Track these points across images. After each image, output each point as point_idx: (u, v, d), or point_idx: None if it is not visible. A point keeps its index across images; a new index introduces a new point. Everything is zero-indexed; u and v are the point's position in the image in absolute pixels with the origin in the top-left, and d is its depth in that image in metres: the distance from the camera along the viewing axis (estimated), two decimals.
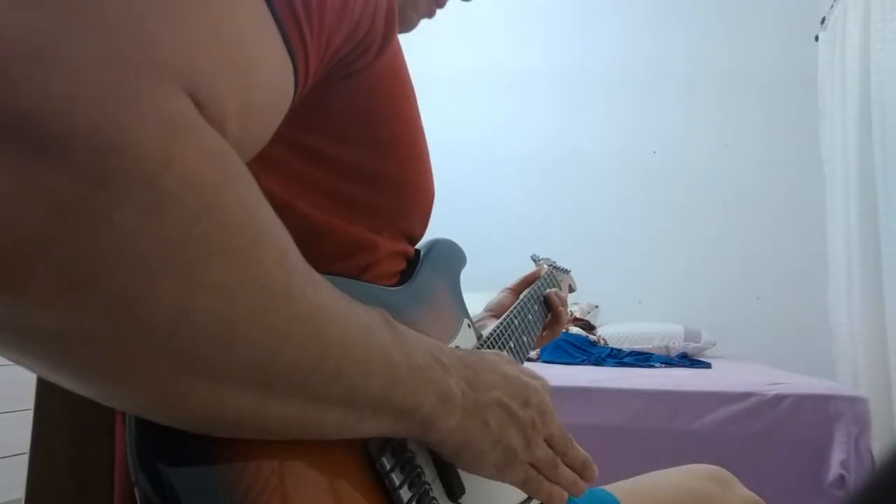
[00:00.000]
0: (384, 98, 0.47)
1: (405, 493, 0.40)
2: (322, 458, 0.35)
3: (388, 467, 0.39)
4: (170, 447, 0.29)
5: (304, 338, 0.29)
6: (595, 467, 0.49)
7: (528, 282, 0.88)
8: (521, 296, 0.83)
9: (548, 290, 0.87)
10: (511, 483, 0.45)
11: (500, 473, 0.43)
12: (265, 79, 0.31)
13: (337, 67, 0.41)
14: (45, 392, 0.43)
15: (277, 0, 0.32)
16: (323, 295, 0.31)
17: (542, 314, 0.86)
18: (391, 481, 0.39)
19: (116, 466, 0.42)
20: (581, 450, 0.49)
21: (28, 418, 0.42)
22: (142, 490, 0.28)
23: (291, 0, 0.33)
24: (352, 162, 0.46)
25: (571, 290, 1.04)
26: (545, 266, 0.96)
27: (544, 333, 0.88)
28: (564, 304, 0.88)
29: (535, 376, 0.48)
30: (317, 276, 0.31)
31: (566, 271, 1.04)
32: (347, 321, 0.32)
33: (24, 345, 0.23)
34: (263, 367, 0.27)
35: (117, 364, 0.24)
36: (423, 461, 0.43)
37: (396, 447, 0.40)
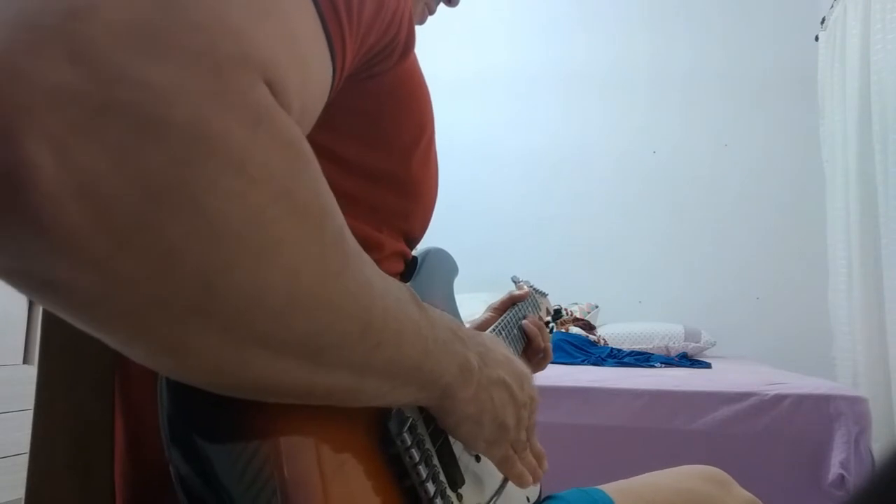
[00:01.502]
0: (399, 101, 0.48)
1: (423, 470, 0.41)
2: (343, 433, 0.37)
3: (409, 443, 0.41)
4: (202, 422, 0.30)
5: (354, 312, 0.30)
6: (546, 460, 0.53)
7: (512, 300, 0.88)
8: (507, 313, 0.83)
9: (523, 321, 0.85)
10: (492, 458, 0.47)
11: (487, 448, 0.46)
12: (315, 77, 0.33)
13: (360, 69, 0.42)
14: (45, 392, 0.43)
15: (325, 4, 0.33)
16: (369, 272, 0.32)
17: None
18: (411, 457, 0.41)
19: (117, 466, 0.43)
20: (537, 442, 0.52)
21: (28, 418, 0.42)
22: (175, 465, 0.30)
23: (336, 4, 0.34)
24: (358, 160, 0.47)
25: (549, 312, 1.05)
26: (525, 287, 0.96)
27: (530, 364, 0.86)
28: (543, 333, 0.85)
29: (523, 364, 0.51)
30: (364, 255, 0.33)
31: (544, 294, 1.05)
32: (386, 296, 0.33)
33: (110, 321, 0.24)
34: (317, 340, 0.29)
35: (189, 337, 0.25)
36: (430, 446, 0.45)
37: (411, 427, 0.42)
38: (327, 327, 0.29)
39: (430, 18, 0.69)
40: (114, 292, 0.23)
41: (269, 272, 0.25)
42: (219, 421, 0.31)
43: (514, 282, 0.99)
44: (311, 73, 0.32)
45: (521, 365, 0.49)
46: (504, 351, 0.48)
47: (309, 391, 0.31)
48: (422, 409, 0.47)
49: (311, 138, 0.43)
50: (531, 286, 0.99)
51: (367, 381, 0.33)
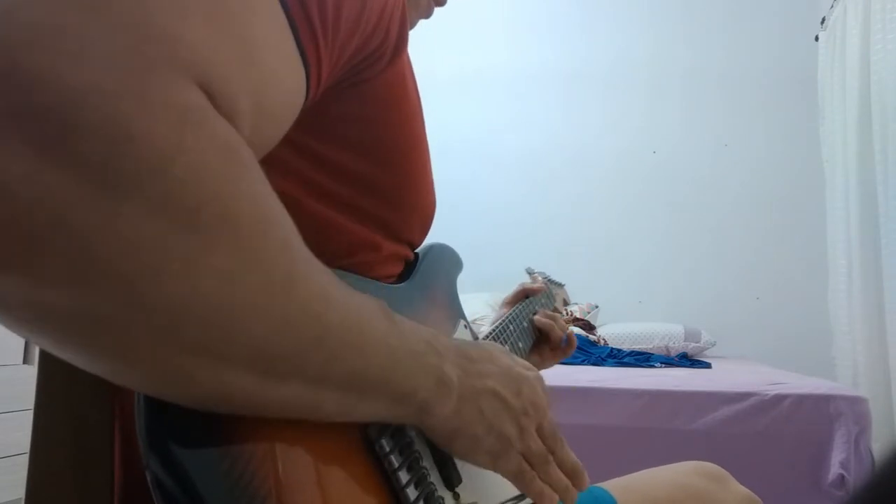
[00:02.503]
0: (388, 108, 0.47)
1: (403, 476, 0.40)
2: (324, 440, 0.36)
3: (388, 449, 0.39)
4: (179, 429, 0.30)
5: (304, 322, 0.29)
6: (587, 477, 0.49)
7: (525, 293, 0.86)
8: (518, 305, 0.82)
9: (534, 317, 0.82)
10: (505, 474, 0.45)
11: (494, 462, 0.43)
12: (278, 82, 0.32)
13: (347, 75, 0.41)
14: (45, 392, 0.43)
15: (294, 7, 0.32)
16: (323, 281, 0.31)
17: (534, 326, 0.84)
18: (390, 463, 0.39)
19: (116, 466, 0.43)
20: (572, 454, 0.48)
21: (28, 418, 0.42)
22: (152, 472, 0.29)
23: (307, 7, 0.33)
24: (352, 168, 0.46)
25: (566, 303, 1.03)
26: (540, 279, 0.95)
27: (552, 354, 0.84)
28: (557, 322, 0.83)
29: (528, 367, 0.49)
30: (318, 264, 0.32)
31: (560, 285, 1.03)
32: (346, 307, 0.32)
33: (37, 323, 0.24)
34: (263, 350, 0.28)
35: (124, 344, 0.25)
36: (420, 447, 0.43)
37: (395, 430, 0.41)
38: (273, 338, 0.28)
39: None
40: (36, 298, 0.23)
41: (203, 278, 0.25)
42: (197, 429, 0.30)
43: (529, 273, 0.98)
44: (272, 80, 0.31)
45: (520, 371, 0.46)
46: (499, 358, 0.46)
47: (263, 404, 0.30)
48: None
49: (303, 145, 0.43)
50: (546, 277, 0.98)
51: (326, 394, 0.32)
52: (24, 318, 0.24)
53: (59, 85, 0.21)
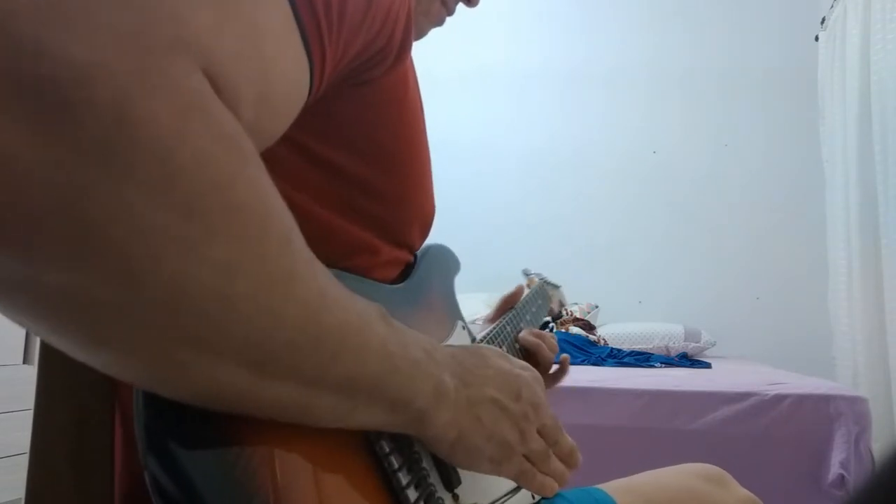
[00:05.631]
0: (390, 111, 0.47)
1: (404, 476, 0.40)
2: (324, 441, 0.35)
3: (388, 450, 0.39)
4: (178, 430, 0.30)
5: (302, 321, 0.29)
6: (579, 454, 0.49)
7: (506, 304, 0.80)
8: (501, 319, 0.77)
9: (520, 335, 0.75)
10: (507, 476, 0.45)
11: (496, 468, 0.43)
12: (282, 74, 0.31)
13: (350, 74, 0.41)
14: (45, 392, 0.43)
15: (300, 1, 0.32)
16: (323, 283, 0.31)
17: (536, 324, 0.82)
18: (390, 464, 0.39)
19: (117, 466, 0.43)
20: (568, 438, 0.49)
21: (28, 418, 0.42)
22: (151, 472, 0.29)
23: (313, 3, 0.33)
24: (351, 171, 0.46)
25: (562, 305, 1.02)
26: (536, 280, 0.94)
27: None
28: (546, 341, 0.76)
29: (525, 367, 0.48)
30: (319, 265, 0.31)
31: (556, 286, 1.01)
32: (346, 309, 0.32)
33: (34, 308, 0.24)
34: (258, 346, 0.28)
35: (116, 330, 0.24)
36: (420, 448, 0.43)
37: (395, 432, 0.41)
38: (269, 335, 0.27)
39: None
40: (32, 278, 0.22)
41: (199, 268, 0.24)
42: (196, 429, 0.30)
43: (526, 274, 0.97)
44: (275, 70, 0.31)
45: (518, 372, 0.46)
46: (496, 362, 0.45)
47: (256, 402, 0.30)
48: None
49: (303, 143, 0.43)
50: (542, 278, 0.97)
51: (321, 396, 0.32)
52: (22, 301, 0.24)
53: (62, 58, 0.21)
